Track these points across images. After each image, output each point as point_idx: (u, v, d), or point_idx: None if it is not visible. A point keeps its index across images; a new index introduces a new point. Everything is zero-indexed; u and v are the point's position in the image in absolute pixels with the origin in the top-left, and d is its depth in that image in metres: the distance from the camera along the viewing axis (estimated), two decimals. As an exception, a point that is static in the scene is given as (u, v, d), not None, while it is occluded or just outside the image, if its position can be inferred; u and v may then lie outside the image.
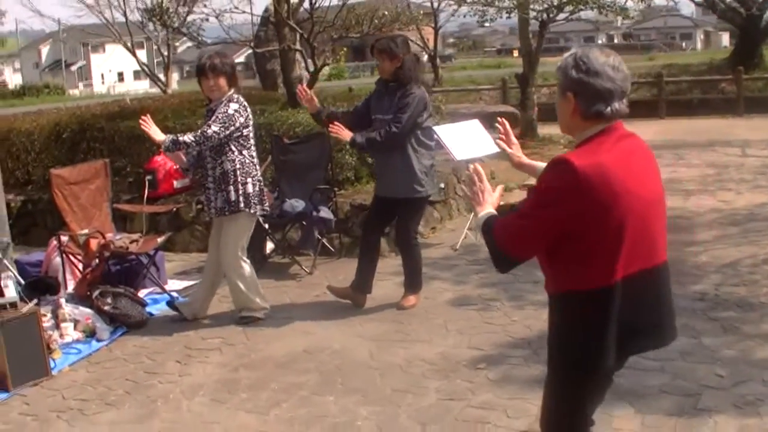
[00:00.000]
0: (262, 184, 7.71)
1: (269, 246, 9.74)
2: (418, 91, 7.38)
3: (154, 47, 29.13)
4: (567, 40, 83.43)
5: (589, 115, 3.53)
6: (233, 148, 7.40)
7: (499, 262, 3.68)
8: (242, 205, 7.42)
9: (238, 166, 7.41)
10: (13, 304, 6.74)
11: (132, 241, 8.61)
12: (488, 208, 3.79)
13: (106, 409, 6.05)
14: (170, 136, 7.28)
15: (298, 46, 12.44)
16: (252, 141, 7.59)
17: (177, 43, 38.12)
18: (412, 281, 7.85)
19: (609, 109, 3.52)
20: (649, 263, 3.60)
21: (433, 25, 29.74)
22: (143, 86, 69.18)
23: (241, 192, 7.40)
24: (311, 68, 12.41)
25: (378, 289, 8.04)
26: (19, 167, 12.75)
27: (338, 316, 7.69)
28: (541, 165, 4.04)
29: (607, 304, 3.50)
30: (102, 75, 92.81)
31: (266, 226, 9.33)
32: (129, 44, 29.79)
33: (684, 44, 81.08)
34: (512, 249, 3.60)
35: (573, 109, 3.55)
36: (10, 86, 73.57)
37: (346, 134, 7.39)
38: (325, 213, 9.20)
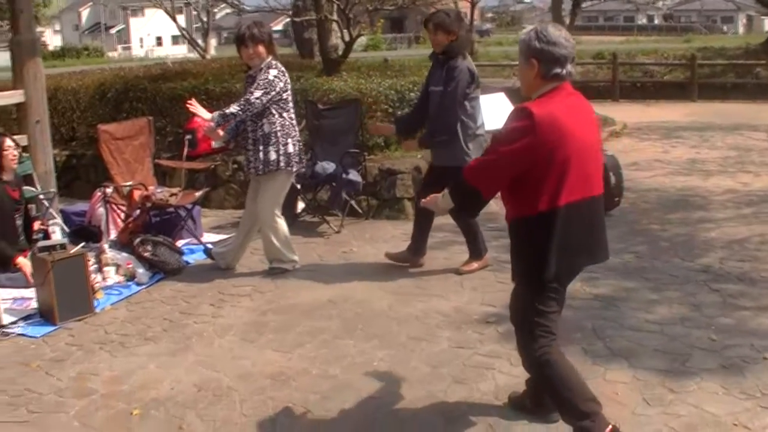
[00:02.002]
0: (301, 144, 8.14)
1: (300, 205, 10.21)
2: (462, 63, 7.61)
3: (193, 13, 29.48)
4: (607, 18, 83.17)
5: (549, 77, 4.43)
6: (273, 111, 7.81)
7: (470, 204, 4.63)
8: (282, 164, 7.86)
9: (278, 128, 7.84)
10: (63, 246, 7.26)
11: (172, 195, 9.13)
12: None
13: (145, 343, 6.57)
14: (217, 112, 7.69)
15: (334, 17, 12.85)
16: (291, 104, 7.99)
17: (216, 10, 38.52)
18: (474, 247, 8.05)
19: (564, 71, 4.42)
20: (587, 194, 4.46)
21: (470, -1, 29.92)
22: (181, 51, 69.38)
23: (282, 152, 7.84)
24: (347, 38, 12.81)
25: (400, 249, 8.45)
26: (64, 124, 13.29)
27: (362, 272, 8.14)
28: None
29: (551, 225, 4.37)
30: (141, 39, 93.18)
31: (298, 186, 9.79)
32: (169, 9, 30.19)
33: (725, 27, 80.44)
34: (483, 183, 4.44)
35: (536, 72, 4.43)
36: (50, 47, 74.06)
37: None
38: (353, 176, 9.66)
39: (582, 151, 4.39)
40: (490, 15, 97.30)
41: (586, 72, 26.21)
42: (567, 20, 19.11)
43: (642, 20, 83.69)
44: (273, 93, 7.72)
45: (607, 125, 17.34)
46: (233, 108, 7.66)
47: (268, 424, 5.12)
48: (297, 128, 8.13)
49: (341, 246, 9.12)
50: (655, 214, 10.03)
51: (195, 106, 7.75)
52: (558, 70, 4.41)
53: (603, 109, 19.08)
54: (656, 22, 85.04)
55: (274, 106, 7.80)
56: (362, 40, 14.41)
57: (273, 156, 7.83)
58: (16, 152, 8.07)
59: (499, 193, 4.62)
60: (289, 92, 7.95)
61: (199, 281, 8.04)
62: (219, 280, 8.04)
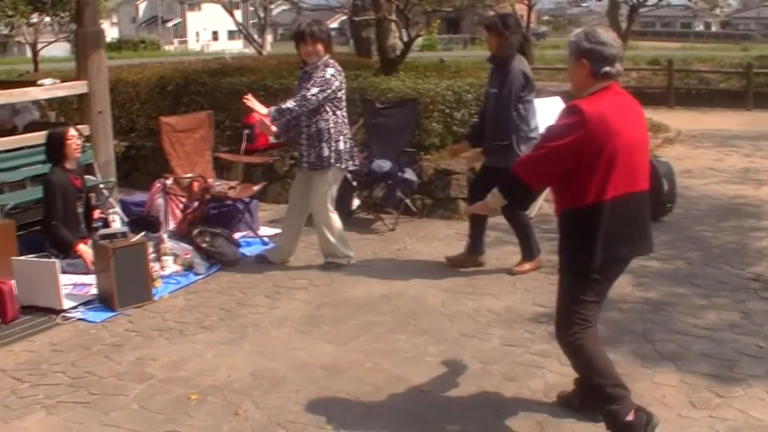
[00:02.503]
0: (352, 142, 8.28)
1: (355, 202, 10.34)
2: (515, 66, 7.67)
3: (250, 9, 29.64)
4: (664, 24, 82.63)
5: (599, 75, 4.62)
6: (328, 108, 7.95)
7: (520, 198, 4.91)
8: (333, 160, 8.00)
9: (331, 125, 7.98)
10: (124, 234, 7.44)
11: (230, 188, 9.30)
12: None
13: (202, 331, 6.73)
14: (273, 107, 7.82)
15: (393, 17, 12.97)
16: (344, 103, 8.13)
17: (272, 6, 38.74)
18: (527, 248, 8.12)
19: (613, 69, 4.62)
20: (632, 188, 4.64)
21: (527, 1, 29.83)
22: (237, 46, 69.90)
23: (333, 149, 7.97)
24: (405, 38, 12.92)
25: (453, 248, 8.59)
26: (123, 115, 13.45)
27: (415, 269, 8.25)
28: None
29: (597, 217, 4.54)
30: (197, 33, 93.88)
31: (354, 183, 9.93)
32: (227, 4, 30.43)
33: (784, 36, 79.64)
34: (532, 176, 4.67)
35: (587, 72, 4.62)
36: (107, 39, 74.86)
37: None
38: (409, 174, 9.78)
39: (629, 148, 4.59)
40: (546, 18, 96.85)
41: (642, 78, 26.12)
42: (624, 25, 18.98)
43: (699, 27, 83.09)
44: (329, 91, 7.86)
45: (661, 132, 17.30)
46: (289, 103, 7.79)
47: (321, 414, 5.24)
48: (348, 126, 8.26)
49: (395, 243, 9.23)
50: (707, 221, 10.03)
51: (251, 101, 7.89)
52: (607, 69, 4.62)
53: (658, 115, 19.05)
54: (713, 29, 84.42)
55: (329, 103, 7.94)
56: (418, 41, 14.50)
57: (326, 152, 7.96)
58: (79, 141, 8.24)
59: (551, 193, 4.88)
60: (343, 91, 8.09)
61: (255, 273, 8.19)
62: (275, 273, 8.18)
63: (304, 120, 7.98)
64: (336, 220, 8.26)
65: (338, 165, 8.06)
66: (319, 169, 8.05)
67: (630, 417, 4.63)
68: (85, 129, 9.67)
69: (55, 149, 8.14)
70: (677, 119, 19.46)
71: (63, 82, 10.61)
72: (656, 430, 4.69)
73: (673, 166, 10.37)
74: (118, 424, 5.19)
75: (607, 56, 4.61)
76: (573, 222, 4.69)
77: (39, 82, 10.41)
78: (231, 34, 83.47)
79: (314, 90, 7.79)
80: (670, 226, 9.58)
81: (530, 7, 29.74)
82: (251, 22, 49.51)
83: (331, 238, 8.26)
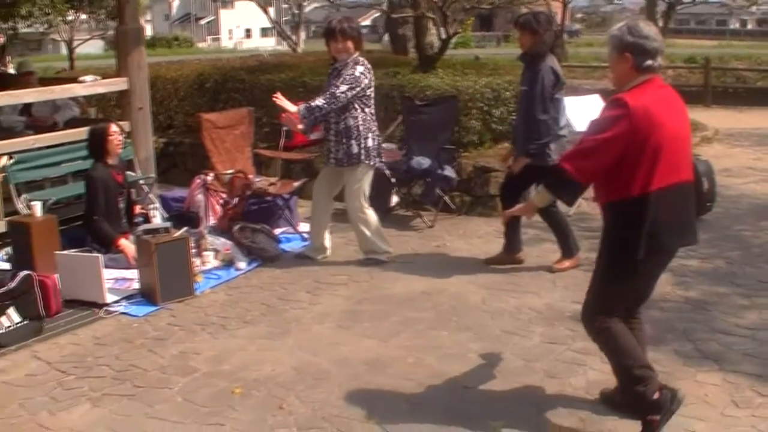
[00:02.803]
0: (380, 139, 8.34)
1: (394, 199, 10.37)
2: (545, 64, 7.70)
3: (284, 6, 29.65)
4: (699, 22, 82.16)
5: (642, 68, 4.67)
6: (357, 106, 8.01)
7: (567, 192, 4.92)
8: (363, 157, 8.05)
9: (360, 122, 8.03)
10: (166, 230, 7.51)
11: (270, 184, 9.38)
12: None
13: (244, 326, 6.79)
14: (303, 105, 7.90)
15: (431, 14, 12.99)
16: (372, 100, 8.18)
17: (305, 3, 38.82)
18: (565, 246, 8.11)
19: (655, 63, 4.67)
20: (677, 179, 4.69)
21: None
22: (269, 43, 70.04)
23: (362, 146, 8.03)
24: (443, 35, 12.92)
25: (492, 245, 8.60)
26: (162, 112, 13.56)
27: (455, 265, 8.27)
28: None
29: (643, 208, 4.59)
30: (230, 30, 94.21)
31: (393, 180, 9.96)
32: (260, 1, 30.53)
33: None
34: (582, 170, 4.67)
35: (630, 65, 4.67)
36: (141, 37, 75.15)
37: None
38: (448, 172, 9.79)
39: (672, 141, 4.65)
40: (579, 16, 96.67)
41: (678, 76, 25.94)
42: (660, 23, 18.86)
43: (735, 24, 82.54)
44: (358, 89, 7.91)
45: (699, 130, 17.18)
46: (319, 101, 7.85)
47: (364, 408, 5.27)
48: (376, 123, 8.30)
49: (434, 240, 9.25)
50: (747, 220, 9.98)
51: (281, 100, 7.94)
52: (650, 62, 4.67)
53: (694, 114, 18.74)
54: (749, 26, 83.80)
55: (358, 101, 7.99)
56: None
57: (354, 149, 8.02)
58: (121, 137, 8.31)
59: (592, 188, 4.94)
60: (372, 89, 8.13)
61: (296, 269, 8.25)
62: (315, 268, 8.25)
63: (333, 117, 8.04)
64: (372, 215, 8.31)
65: (367, 162, 8.12)
66: (347, 166, 8.12)
67: (656, 396, 4.77)
68: (125, 125, 9.74)
69: (97, 145, 8.22)
70: (714, 118, 19.31)
71: (103, 78, 10.69)
72: (697, 426, 4.73)
73: (712, 164, 10.32)
74: (164, 416, 5.25)
75: (649, 49, 4.65)
76: (618, 213, 4.74)
77: (80, 78, 10.50)
78: (264, 32, 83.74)
79: (344, 87, 7.84)
80: (709, 225, 9.54)
81: (565, 5, 29.53)
82: (284, 19, 49.58)
83: (369, 234, 8.31)
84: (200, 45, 77.71)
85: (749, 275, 7.87)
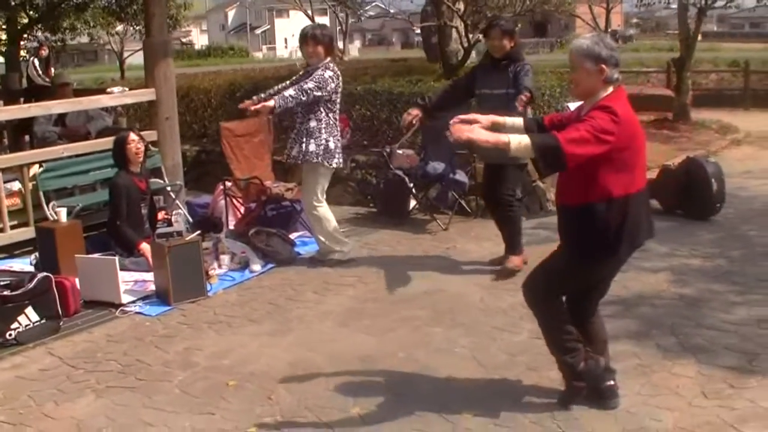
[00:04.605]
0: (339, 142, 8.62)
1: (411, 203, 10.64)
2: (530, 67, 8.05)
3: (340, 14, 30.05)
4: (753, 25, 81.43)
5: (611, 80, 4.90)
6: (322, 109, 8.37)
7: (553, 164, 4.90)
8: (320, 158, 8.39)
9: (323, 125, 8.40)
10: (180, 233, 7.86)
11: (287, 189, 9.70)
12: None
13: (249, 324, 7.12)
14: (277, 96, 8.20)
15: (455, 23, 13.27)
16: (338, 106, 8.57)
17: (360, 12, 39.04)
18: (514, 243, 8.38)
19: (619, 75, 4.96)
20: (644, 183, 5.04)
21: (605, 5, 29.68)
22: (322, 52, 70.29)
23: (322, 146, 8.37)
24: (466, 44, 13.19)
25: (503, 248, 8.74)
26: (196, 121, 14.00)
27: (461, 267, 8.54)
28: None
29: (625, 209, 4.88)
30: (285, 39, 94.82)
31: (411, 185, 10.24)
32: (309, 12, 30.87)
33: None
34: (574, 157, 4.73)
35: (604, 77, 4.87)
36: (197, 46, 76.02)
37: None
38: (460, 176, 10.05)
39: (642, 148, 5.00)
40: (635, 21, 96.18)
41: (720, 80, 25.96)
42: (692, 25, 18.89)
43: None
44: (324, 91, 8.26)
45: (730, 133, 17.30)
46: (289, 91, 8.18)
47: (347, 399, 5.57)
48: (339, 128, 8.64)
49: (446, 242, 9.51)
50: (756, 221, 10.11)
51: (245, 104, 8.52)
52: (617, 75, 4.94)
53: (731, 117, 19.12)
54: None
55: (323, 104, 8.35)
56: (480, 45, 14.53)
57: (312, 148, 8.36)
58: (140, 146, 8.64)
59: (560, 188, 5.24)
60: (338, 95, 8.51)
61: (308, 271, 8.57)
62: (327, 270, 8.55)
63: (299, 117, 8.44)
64: (325, 212, 8.70)
65: (326, 163, 8.45)
66: (302, 163, 8.51)
67: (582, 365, 5.19)
68: (152, 134, 10.13)
69: (118, 153, 8.60)
70: (750, 121, 19.32)
71: (132, 89, 11.08)
72: (663, 415, 4.99)
73: (733, 167, 10.48)
74: (160, 407, 5.58)
75: (617, 62, 4.93)
76: (600, 213, 4.89)
77: (108, 90, 10.91)
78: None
79: (311, 84, 8.18)
80: (718, 225, 9.73)
81: (608, 10, 29.50)
82: (339, 28, 49.84)
83: (320, 231, 8.71)
84: (256, 54, 78.35)
85: (748, 273, 8.03)
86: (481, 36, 10.91)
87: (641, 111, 18.90)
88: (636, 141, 4.88)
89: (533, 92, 7.69)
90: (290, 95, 8.12)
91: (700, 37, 19.61)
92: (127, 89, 11.00)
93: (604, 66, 4.85)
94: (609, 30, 32.07)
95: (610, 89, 4.91)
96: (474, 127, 4.98)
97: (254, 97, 8.61)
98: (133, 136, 8.63)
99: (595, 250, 5.03)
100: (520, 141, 4.84)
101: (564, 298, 5.32)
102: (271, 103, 8.09)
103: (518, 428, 5.14)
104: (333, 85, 8.33)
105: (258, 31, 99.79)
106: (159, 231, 8.04)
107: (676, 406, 5.30)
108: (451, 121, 5.08)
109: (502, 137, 4.86)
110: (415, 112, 8.42)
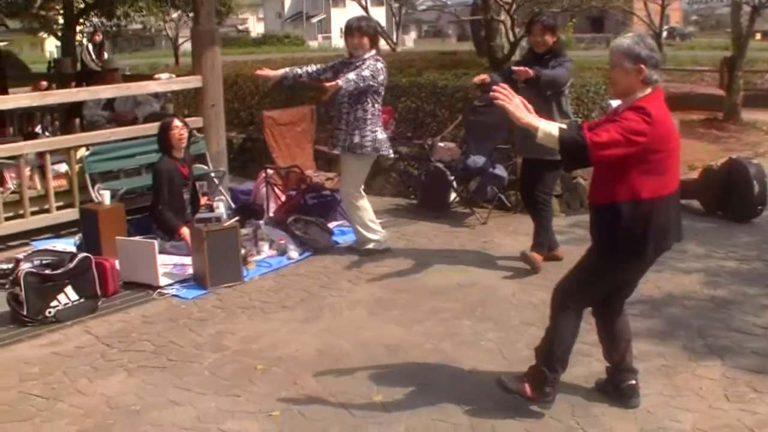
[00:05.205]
0: (385, 133, 8.71)
1: (451, 196, 10.71)
2: (571, 64, 8.12)
3: (395, 5, 30.02)
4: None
5: (650, 81, 4.90)
6: (369, 99, 8.43)
7: (577, 159, 4.98)
8: (369, 148, 8.48)
9: (369, 115, 8.46)
10: (218, 219, 8.01)
11: (327, 179, 9.80)
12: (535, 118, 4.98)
13: (282, 311, 7.25)
14: (342, 78, 8.14)
15: (501, 17, 13.31)
16: (381, 98, 8.62)
17: (418, 2, 39.05)
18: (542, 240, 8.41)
19: (658, 76, 4.95)
20: (676, 186, 5.05)
21: (660, 1, 29.43)
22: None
23: (370, 137, 8.45)
24: (512, 39, 13.24)
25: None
26: (243, 109, 14.13)
27: (496, 262, 8.59)
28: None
29: (656, 210, 4.90)
30: (340, 29, 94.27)
31: (451, 178, 10.31)
32: (363, 2, 30.98)
33: None
34: (601, 148, 4.77)
35: (643, 77, 4.87)
36: (253, 34, 76.33)
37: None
38: (499, 171, 10.12)
39: (677, 150, 5.00)
40: (694, 18, 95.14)
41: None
42: (746, 24, 18.70)
43: None
44: (376, 82, 8.34)
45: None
46: (351, 75, 8.16)
47: (371, 387, 5.68)
48: (382, 119, 8.72)
49: (483, 236, 9.57)
50: (798, 224, 10.04)
51: (264, 71, 9.01)
52: (657, 76, 4.95)
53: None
54: None
55: (371, 95, 8.41)
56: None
57: (357, 139, 8.43)
58: (183, 132, 8.78)
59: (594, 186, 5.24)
60: (384, 86, 8.55)
61: (345, 260, 8.66)
62: (363, 259, 8.65)
63: (345, 107, 8.46)
64: (362, 203, 8.77)
65: (373, 153, 8.58)
66: (350, 153, 8.54)
67: (548, 389, 5.31)
68: (198, 121, 10.28)
69: (162, 139, 8.75)
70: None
71: (180, 76, 11.23)
72: (682, 416, 5.12)
73: (765, 168, 10.42)
74: (189, 387, 5.73)
75: (658, 63, 4.95)
76: (622, 213, 4.92)
77: (156, 76, 11.07)
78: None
79: (367, 73, 8.24)
80: (758, 227, 9.69)
81: (663, 7, 29.25)
82: (396, 19, 49.76)
83: (356, 220, 8.79)
84: (311, 43, 78.51)
85: (784, 278, 8.00)
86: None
87: (691, 110, 18.95)
88: (669, 143, 4.89)
89: (542, 77, 7.69)
90: (353, 79, 8.15)
91: (758, 36, 19.43)
92: (174, 76, 11.15)
93: (642, 66, 4.86)
94: (666, 27, 31.83)
95: (648, 90, 4.92)
96: (517, 101, 4.97)
97: (266, 70, 9.00)
98: (176, 122, 8.78)
99: (621, 250, 5.06)
100: (549, 131, 4.91)
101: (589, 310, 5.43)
102: (339, 82, 8.12)
103: (537, 423, 5.21)
104: (382, 77, 8.41)
105: (314, 20, 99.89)
106: (198, 216, 8.20)
107: (697, 408, 5.33)
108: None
109: (534, 121, 4.91)
110: (484, 75, 8.43)
